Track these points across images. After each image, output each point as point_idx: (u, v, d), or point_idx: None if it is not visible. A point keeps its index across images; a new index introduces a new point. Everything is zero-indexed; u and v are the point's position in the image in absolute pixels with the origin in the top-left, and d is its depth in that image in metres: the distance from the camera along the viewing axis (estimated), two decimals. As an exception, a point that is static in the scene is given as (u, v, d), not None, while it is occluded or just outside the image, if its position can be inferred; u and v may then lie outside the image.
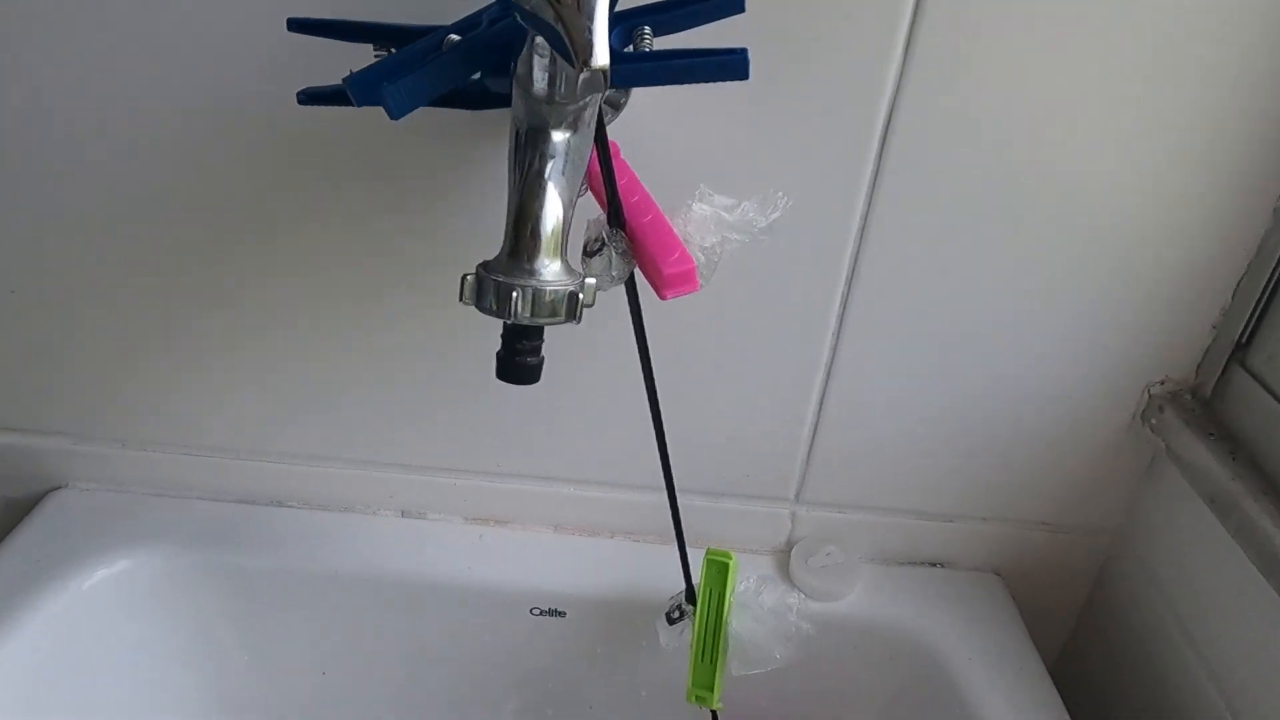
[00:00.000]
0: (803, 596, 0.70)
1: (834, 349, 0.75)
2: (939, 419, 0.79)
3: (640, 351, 0.62)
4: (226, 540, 0.83)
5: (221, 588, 0.83)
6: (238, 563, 0.82)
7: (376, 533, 0.85)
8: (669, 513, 0.74)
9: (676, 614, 0.74)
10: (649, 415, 0.65)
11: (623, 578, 0.83)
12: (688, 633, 0.73)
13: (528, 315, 0.45)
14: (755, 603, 0.71)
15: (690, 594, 0.73)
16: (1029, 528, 0.86)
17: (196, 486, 0.86)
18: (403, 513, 0.87)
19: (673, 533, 0.71)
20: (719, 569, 0.73)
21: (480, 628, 0.84)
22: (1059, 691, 0.76)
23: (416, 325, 0.76)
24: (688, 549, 0.72)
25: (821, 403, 0.79)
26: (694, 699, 0.73)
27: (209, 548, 0.83)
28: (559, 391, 0.79)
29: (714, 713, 0.79)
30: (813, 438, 0.81)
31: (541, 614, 0.83)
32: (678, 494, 0.70)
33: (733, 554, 0.73)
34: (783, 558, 0.87)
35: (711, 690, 0.73)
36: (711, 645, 0.73)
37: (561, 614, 0.83)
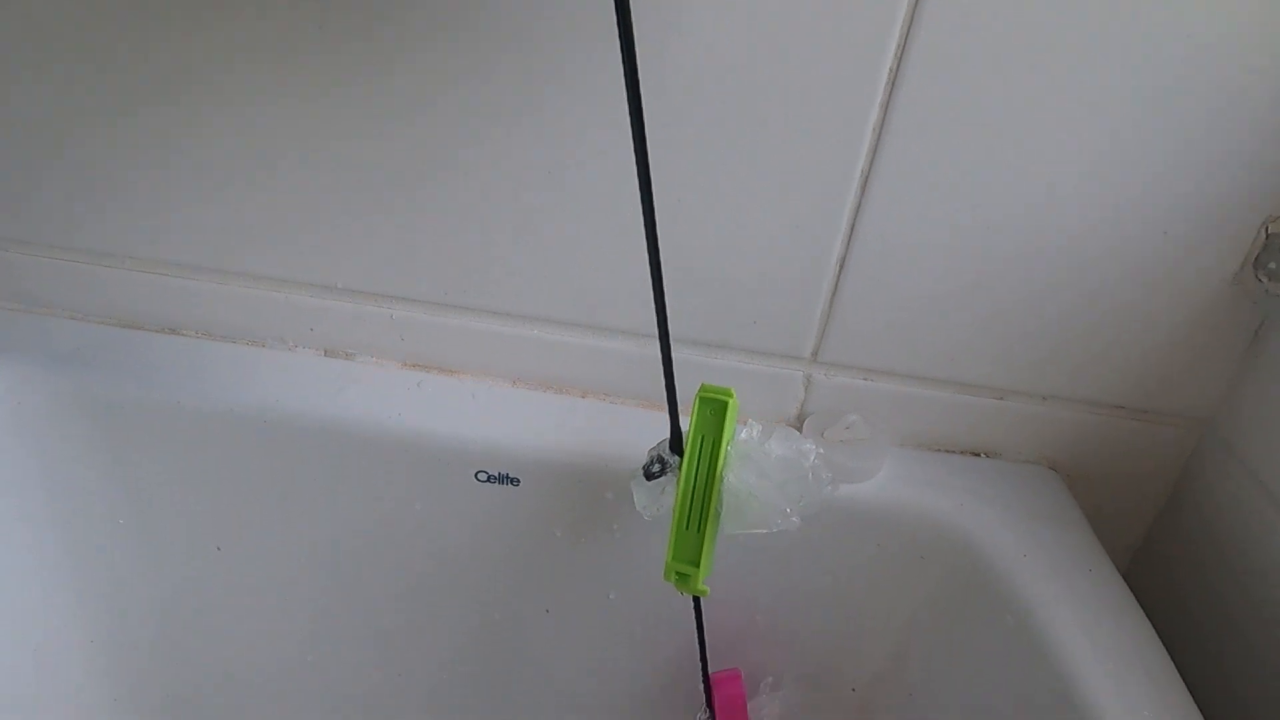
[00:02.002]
0: (818, 448, 0.54)
1: (867, 171, 0.59)
2: (990, 268, 0.63)
3: (638, 161, 0.46)
4: (99, 367, 0.66)
5: (92, 426, 0.66)
6: (111, 394, 0.66)
7: (289, 370, 0.68)
8: (652, 369, 0.59)
9: (657, 467, 0.57)
10: (641, 241, 0.49)
11: (593, 443, 0.66)
12: (670, 492, 0.57)
13: None
14: (760, 453, 0.54)
15: (676, 442, 0.57)
16: (1097, 411, 0.70)
17: (64, 302, 0.69)
18: (325, 351, 0.71)
19: (656, 395, 0.55)
20: (714, 409, 0.56)
21: (409, 495, 0.67)
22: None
23: (350, 110, 0.59)
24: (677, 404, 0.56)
25: (850, 239, 0.63)
26: (673, 577, 0.57)
27: (77, 374, 0.66)
28: (529, 204, 0.62)
29: (696, 600, 0.62)
30: (836, 283, 0.65)
31: (489, 480, 0.66)
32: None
33: (732, 391, 0.56)
34: (792, 433, 0.70)
35: (696, 566, 0.56)
36: (700, 508, 0.56)
37: (514, 481, 0.66)
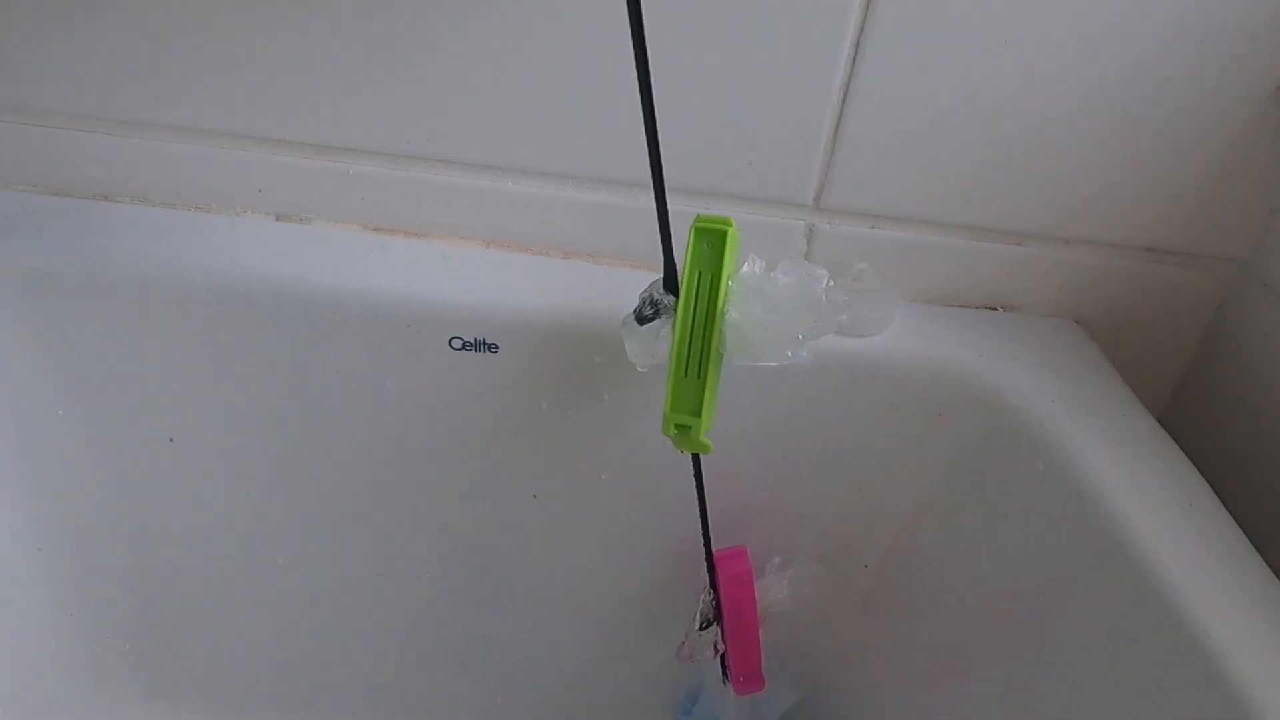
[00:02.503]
0: (830, 276, 0.48)
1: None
2: (1009, 93, 0.57)
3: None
4: (24, 237, 0.60)
5: (19, 304, 0.59)
6: (40, 266, 0.59)
7: (238, 237, 0.62)
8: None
9: (650, 310, 0.51)
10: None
11: (578, 306, 0.60)
12: (666, 336, 0.51)
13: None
14: (767, 285, 0.49)
15: (671, 279, 0.51)
16: (1125, 255, 0.64)
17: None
18: (277, 215, 0.64)
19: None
20: (712, 241, 0.50)
21: (379, 367, 0.61)
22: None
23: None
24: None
25: (854, 62, 0.57)
26: (671, 430, 0.51)
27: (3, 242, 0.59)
28: (502, 39, 0.55)
29: (697, 462, 0.57)
30: (840, 115, 0.59)
31: (465, 347, 0.60)
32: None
33: (731, 220, 0.50)
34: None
35: (697, 416, 0.50)
36: (700, 351, 0.50)
37: (492, 348, 0.60)
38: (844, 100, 0.58)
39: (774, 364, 0.47)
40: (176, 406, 0.63)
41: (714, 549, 0.64)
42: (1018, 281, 0.66)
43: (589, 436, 0.64)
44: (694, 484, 0.59)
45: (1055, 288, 0.66)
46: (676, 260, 0.50)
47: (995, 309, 0.67)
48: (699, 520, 0.62)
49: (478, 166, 0.61)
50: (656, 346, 0.52)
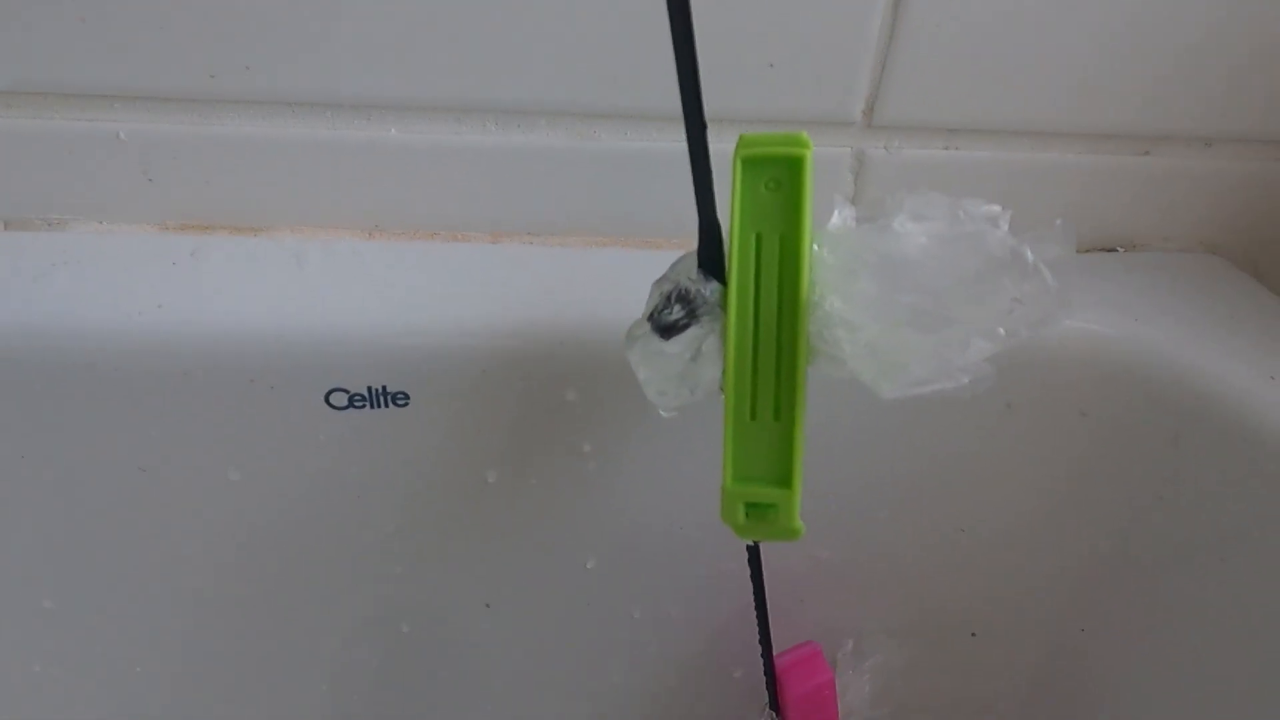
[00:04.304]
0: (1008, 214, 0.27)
1: None
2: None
3: None
4: None
5: None
6: None
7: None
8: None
9: (679, 310, 0.29)
10: None
11: (529, 315, 0.38)
12: (711, 354, 0.29)
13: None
14: (892, 244, 0.27)
15: (710, 256, 0.29)
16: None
17: None
18: (5, 223, 0.38)
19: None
20: (778, 175, 0.28)
21: (213, 443, 0.37)
22: None
23: None
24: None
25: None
26: (740, 514, 0.29)
27: None
28: None
29: (754, 549, 0.35)
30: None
31: (353, 404, 0.37)
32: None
33: (806, 137, 0.28)
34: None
35: (787, 487, 0.29)
36: (776, 376, 0.29)
37: (399, 399, 0.37)
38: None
39: (946, 387, 0.25)
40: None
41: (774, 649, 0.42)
42: (1140, 207, 0.46)
43: (563, 511, 0.42)
44: (727, 562, 0.38)
45: (1187, 210, 0.47)
46: (720, 220, 0.28)
47: (1115, 249, 0.47)
48: (738, 614, 0.41)
49: (341, 106, 0.37)
50: (695, 373, 0.29)
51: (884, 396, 0.25)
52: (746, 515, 0.29)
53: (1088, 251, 0.47)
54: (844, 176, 0.43)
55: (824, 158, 0.42)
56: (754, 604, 0.39)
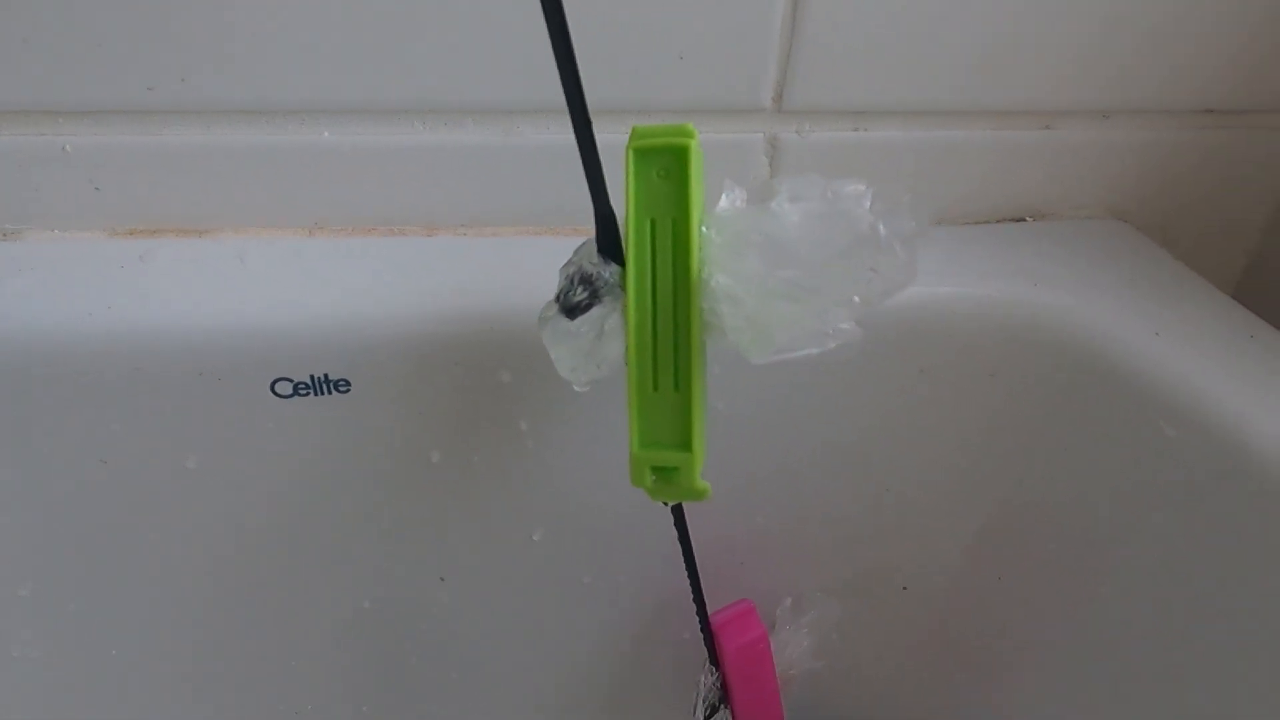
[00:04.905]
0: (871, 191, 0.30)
1: None
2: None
3: None
4: None
5: None
6: None
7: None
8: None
9: (583, 292, 0.31)
10: None
11: (462, 301, 0.40)
12: (615, 330, 0.31)
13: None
14: (769, 222, 0.30)
15: (608, 238, 0.31)
16: (1178, 123, 0.48)
17: None
18: (-36, 233, 0.41)
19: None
20: (666, 164, 0.31)
21: (165, 439, 0.39)
22: None
23: None
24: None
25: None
26: (647, 478, 0.32)
27: None
28: None
29: (678, 509, 0.38)
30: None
31: (298, 391, 0.39)
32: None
33: (691, 128, 0.31)
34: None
35: (687, 449, 0.31)
36: (674, 349, 0.31)
37: (341, 386, 0.39)
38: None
39: (812, 352, 0.28)
40: None
41: (709, 610, 0.45)
42: (1047, 178, 0.49)
43: (507, 487, 0.44)
44: (669, 528, 0.40)
45: (1092, 180, 0.49)
46: (615, 207, 0.31)
47: (1024, 219, 0.49)
48: (686, 579, 0.43)
49: (276, 112, 0.40)
50: (601, 349, 0.32)
51: (753, 362, 0.28)
52: (655, 477, 0.32)
53: (999, 221, 0.49)
54: (759, 160, 0.45)
55: (738, 144, 0.44)
56: (685, 564, 0.41)
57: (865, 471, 0.47)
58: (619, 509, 0.46)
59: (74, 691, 0.47)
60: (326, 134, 0.40)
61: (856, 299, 0.26)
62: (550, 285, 0.35)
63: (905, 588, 0.51)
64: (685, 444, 0.31)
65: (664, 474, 0.32)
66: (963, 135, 0.46)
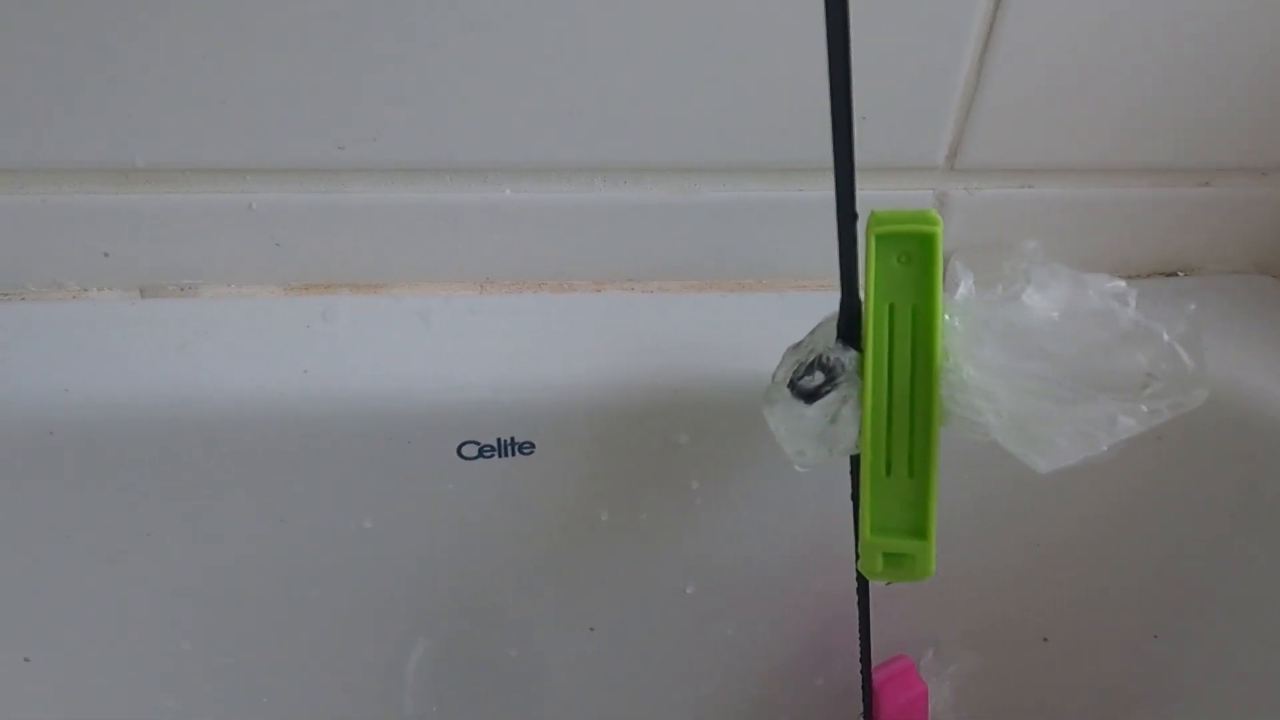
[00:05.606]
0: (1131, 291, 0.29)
1: None
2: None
3: None
4: None
5: None
6: None
7: (86, 330, 0.38)
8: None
9: (819, 377, 0.31)
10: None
11: (642, 363, 0.40)
12: (849, 417, 0.31)
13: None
14: (1020, 315, 0.29)
15: (849, 326, 0.31)
16: (1334, 179, 0.48)
17: None
18: (141, 289, 0.40)
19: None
20: (909, 251, 0.30)
21: (347, 504, 0.39)
22: None
23: None
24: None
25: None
26: (878, 565, 0.32)
27: None
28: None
29: (862, 580, 0.38)
30: (986, 37, 0.40)
31: (483, 454, 0.39)
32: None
33: (935, 214, 0.30)
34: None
35: (922, 538, 0.31)
36: (910, 436, 0.31)
37: (526, 448, 0.39)
38: (993, 14, 0.39)
39: (1075, 462, 0.28)
40: (35, 615, 0.40)
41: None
42: (1198, 233, 0.49)
43: (668, 543, 0.44)
44: (812, 582, 0.41)
45: (1240, 235, 0.49)
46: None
47: (1174, 274, 0.49)
48: (820, 631, 0.43)
49: (453, 171, 0.39)
50: (833, 434, 0.32)
51: (1039, 471, 0.28)
52: (886, 563, 0.32)
53: (1149, 276, 0.49)
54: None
55: (907, 199, 0.44)
56: (859, 628, 0.41)
57: (1015, 526, 0.47)
58: (771, 566, 0.46)
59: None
60: (508, 191, 0.40)
61: (1145, 409, 0.26)
62: (726, 343, 0.35)
63: (1046, 639, 0.51)
64: (921, 532, 0.31)
65: (893, 559, 0.32)
66: (1122, 192, 0.46)
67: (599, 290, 0.44)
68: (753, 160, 0.41)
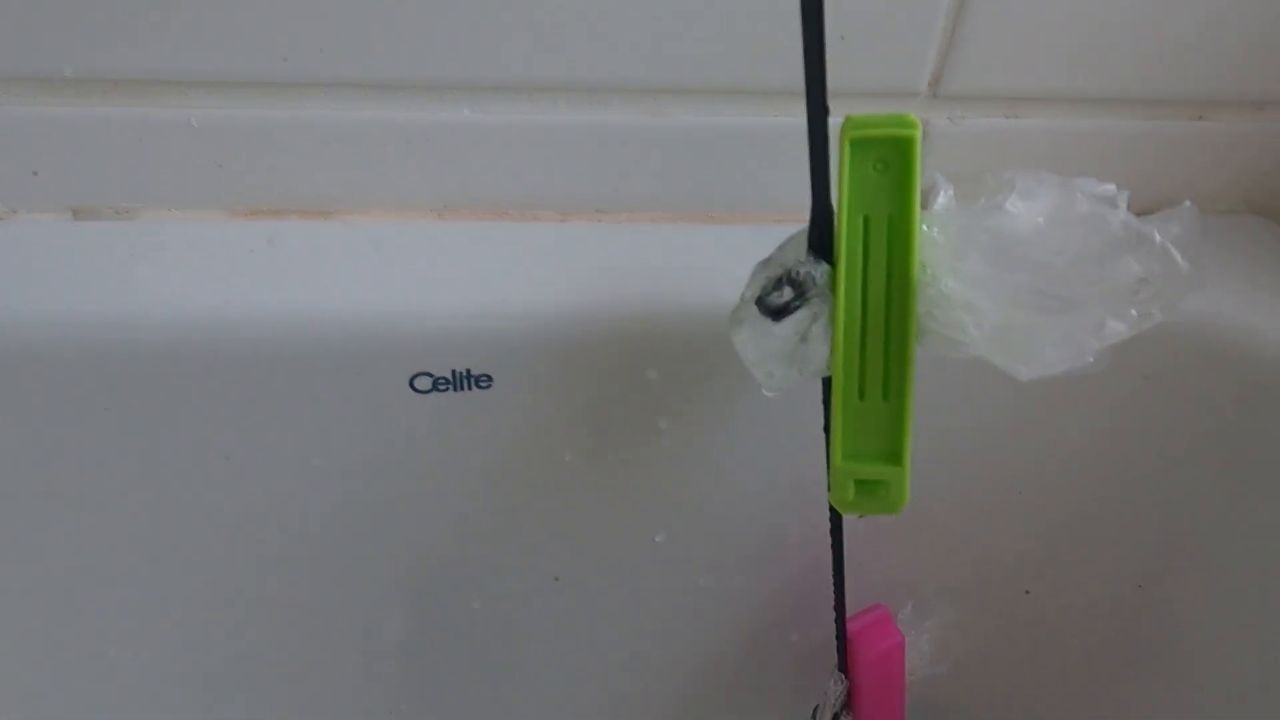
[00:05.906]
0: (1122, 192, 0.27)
1: None
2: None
3: None
4: None
5: None
6: None
7: (18, 252, 0.36)
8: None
9: (789, 293, 0.29)
10: None
11: (609, 294, 0.38)
12: (820, 336, 0.29)
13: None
14: (1007, 223, 0.27)
15: (821, 237, 0.29)
16: (1330, 116, 0.46)
17: None
18: (75, 211, 0.38)
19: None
20: (885, 156, 0.28)
21: (294, 436, 0.37)
22: None
23: None
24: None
25: None
26: (850, 492, 0.30)
27: None
28: None
29: (835, 517, 0.36)
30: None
31: (437, 387, 0.37)
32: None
33: (913, 117, 0.28)
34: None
35: (897, 464, 0.29)
36: (885, 355, 0.29)
37: (483, 382, 0.37)
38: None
39: (1069, 369, 0.26)
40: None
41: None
42: (1190, 170, 0.47)
43: (636, 487, 0.42)
44: (789, 532, 0.39)
45: (1235, 172, 0.48)
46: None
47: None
48: (799, 582, 0.42)
49: (410, 87, 0.37)
50: (804, 354, 0.30)
51: (1022, 379, 0.26)
52: (858, 491, 0.30)
53: (1137, 215, 0.47)
54: (908, 147, 0.43)
55: (889, 129, 0.42)
56: (832, 571, 0.39)
57: (995, 468, 0.46)
58: (744, 511, 0.44)
59: (196, 687, 0.45)
60: (467, 111, 0.38)
61: (1134, 312, 0.24)
62: (700, 276, 0.33)
63: (1028, 591, 0.49)
64: (895, 457, 0.30)
65: (866, 487, 0.30)
66: (1112, 123, 0.44)
67: (564, 221, 0.41)
68: (729, 82, 0.39)
